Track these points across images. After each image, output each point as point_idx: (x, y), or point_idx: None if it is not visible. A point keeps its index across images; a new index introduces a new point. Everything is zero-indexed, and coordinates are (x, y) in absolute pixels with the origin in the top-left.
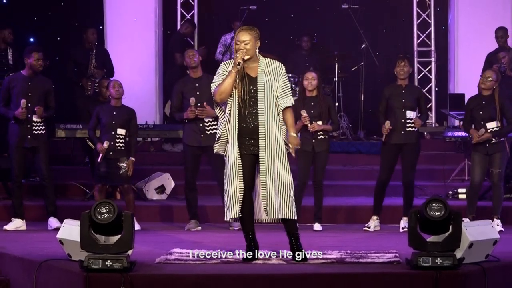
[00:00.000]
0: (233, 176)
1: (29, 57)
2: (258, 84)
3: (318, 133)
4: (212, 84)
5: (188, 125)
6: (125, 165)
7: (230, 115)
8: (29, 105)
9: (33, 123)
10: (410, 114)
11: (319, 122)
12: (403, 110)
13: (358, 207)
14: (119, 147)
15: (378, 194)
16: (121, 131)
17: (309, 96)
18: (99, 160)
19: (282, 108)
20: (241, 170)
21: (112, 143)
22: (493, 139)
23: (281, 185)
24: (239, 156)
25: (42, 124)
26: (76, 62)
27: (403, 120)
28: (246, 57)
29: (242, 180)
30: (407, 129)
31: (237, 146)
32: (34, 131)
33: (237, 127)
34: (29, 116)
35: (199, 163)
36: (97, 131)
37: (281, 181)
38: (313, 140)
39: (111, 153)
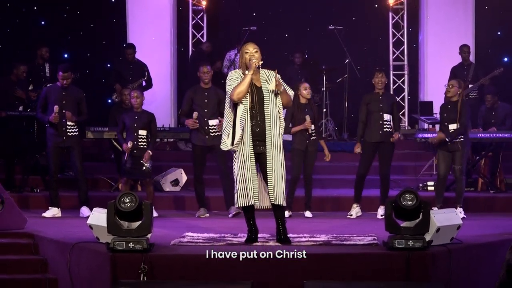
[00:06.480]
0: (247, 171)
1: (57, 73)
2: (264, 93)
3: (312, 135)
4: (227, 87)
5: (195, 128)
6: (147, 164)
7: (243, 119)
8: (63, 111)
9: (67, 126)
10: (387, 116)
11: (312, 126)
12: (381, 113)
13: (342, 198)
14: (141, 146)
15: (358, 185)
16: (142, 132)
17: (303, 103)
18: (125, 157)
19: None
20: (254, 165)
21: (135, 142)
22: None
23: (279, 178)
24: (252, 153)
25: (75, 126)
26: (121, 74)
27: (380, 122)
28: (261, 62)
29: (255, 173)
30: (384, 130)
31: (251, 146)
32: (68, 133)
33: (249, 130)
34: (63, 120)
35: (205, 160)
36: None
37: (279, 175)
38: (307, 141)
39: (135, 151)
